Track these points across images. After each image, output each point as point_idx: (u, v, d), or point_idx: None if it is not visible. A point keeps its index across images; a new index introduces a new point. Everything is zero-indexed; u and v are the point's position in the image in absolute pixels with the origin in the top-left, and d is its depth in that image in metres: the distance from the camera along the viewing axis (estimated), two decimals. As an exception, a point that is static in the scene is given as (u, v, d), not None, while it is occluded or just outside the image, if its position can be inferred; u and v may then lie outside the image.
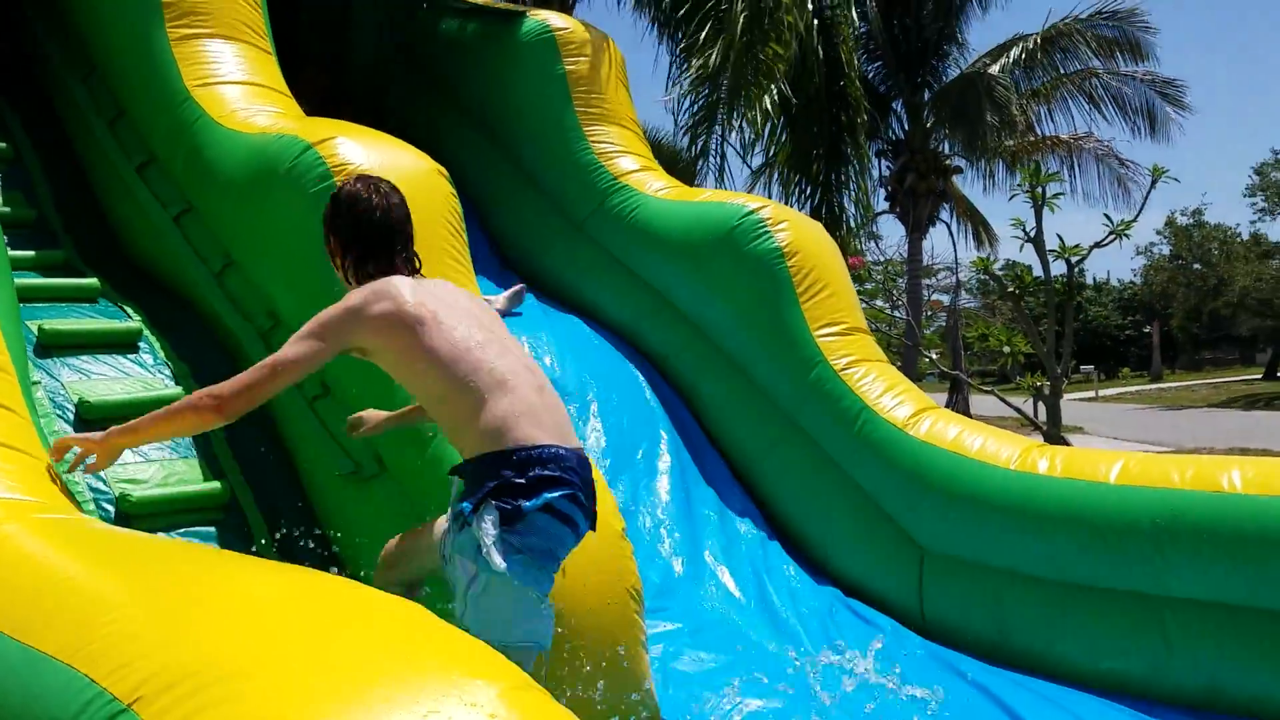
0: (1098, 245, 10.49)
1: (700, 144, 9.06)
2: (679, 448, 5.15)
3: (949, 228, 19.79)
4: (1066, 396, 11.37)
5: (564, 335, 5.59)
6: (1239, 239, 36.51)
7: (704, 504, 4.92)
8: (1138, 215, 10.69)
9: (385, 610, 1.68)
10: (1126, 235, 10.43)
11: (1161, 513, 3.72)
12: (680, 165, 10.00)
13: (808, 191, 12.02)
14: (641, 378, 5.47)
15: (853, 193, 12.11)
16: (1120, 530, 3.81)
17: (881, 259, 22.64)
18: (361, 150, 3.75)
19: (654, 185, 5.93)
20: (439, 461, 3.12)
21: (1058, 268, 10.57)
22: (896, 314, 18.09)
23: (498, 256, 6.55)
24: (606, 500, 3.45)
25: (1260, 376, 38.48)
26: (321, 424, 3.74)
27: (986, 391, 11.73)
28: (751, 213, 5.21)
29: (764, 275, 5.06)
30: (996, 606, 4.13)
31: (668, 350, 5.63)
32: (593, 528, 2.60)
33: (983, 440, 4.40)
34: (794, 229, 5.16)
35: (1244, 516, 3.53)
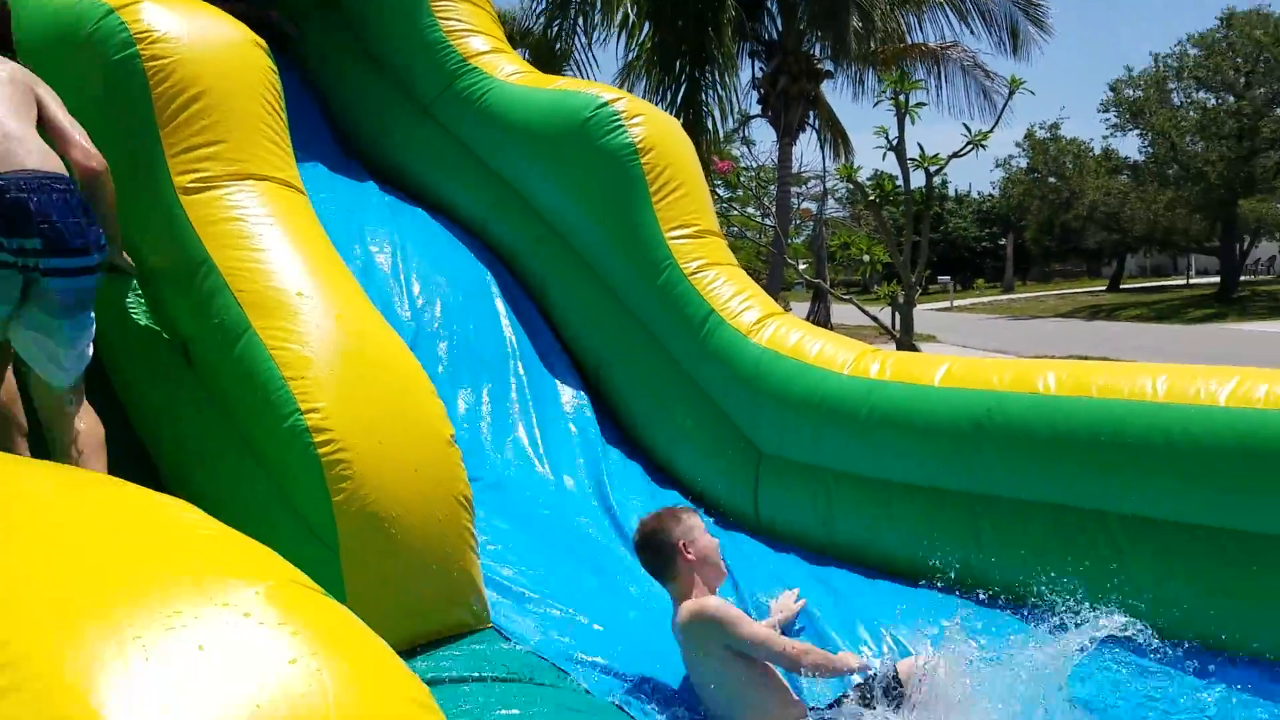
0: (955, 155, 10.68)
1: (556, 29, 8.75)
2: (527, 350, 5.04)
3: (818, 134, 19.93)
4: (923, 306, 11.72)
5: (409, 230, 5.35)
6: (1092, 154, 38.01)
7: (550, 408, 4.83)
8: (994, 126, 10.92)
9: (151, 512, 1.58)
10: (983, 146, 10.67)
11: (980, 413, 3.81)
12: (540, 54, 9.69)
13: (673, 90, 11.84)
14: (490, 276, 5.31)
15: (719, 93, 12.00)
16: (942, 431, 3.90)
17: (754, 165, 22.72)
18: (170, 17, 3.45)
19: (506, 69, 5.67)
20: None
21: (918, 178, 10.78)
22: (767, 222, 18.22)
23: (339, 144, 6.24)
24: (433, 405, 3.37)
25: (1105, 288, 40.61)
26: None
27: (846, 301, 11.98)
28: (605, 104, 5.02)
29: (616, 172, 4.91)
30: (827, 506, 4.21)
31: (518, 246, 5.48)
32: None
33: (821, 345, 4.42)
34: (649, 124, 5.01)
35: (1057, 416, 3.65)
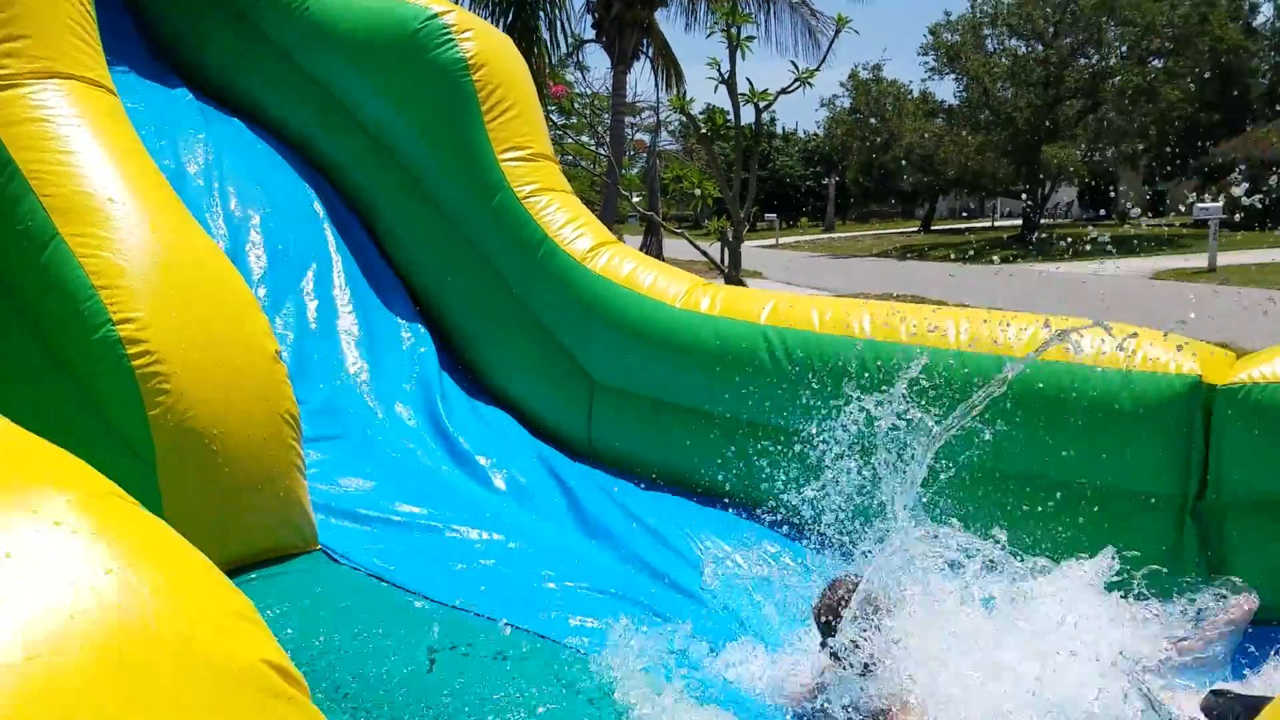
0: (784, 91, 10.87)
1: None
2: (352, 271, 4.87)
3: (652, 64, 19.90)
4: (750, 243, 11.97)
5: (225, 140, 5.06)
6: (910, 96, 39.47)
7: (377, 329, 4.71)
8: (820, 64, 11.16)
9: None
10: (810, 83, 10.89)
11: (801, 352, 3.95)
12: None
13: (502, 6, 11.52)
14: (313, 193, 5.09)
15: (550, 14, 11.76)
16: (767, 367, 4.01)
17: (588, 91, 22.47)
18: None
19: (328, -27, 5.39)
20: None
21: (748, 114, 10.92)
22: (601, 152, 18.13)
23: (150, 53, 5.81)
24: (257, 320, 3.24)
25: (917, 229, 42.54)
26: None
27: (678, 235, 12.11)
28: (435, 16, 4.83)
29: (447, 87, 4.76)
30: (659, 436, 4.29)
31: (344, 161, 5.26)
32: None
33: (654, 277, 4.46)
34: (480, 39, 4.86)
35: (868, 359, 3.79)
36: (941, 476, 3.30)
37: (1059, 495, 3.45)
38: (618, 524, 3.75)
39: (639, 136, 28.76)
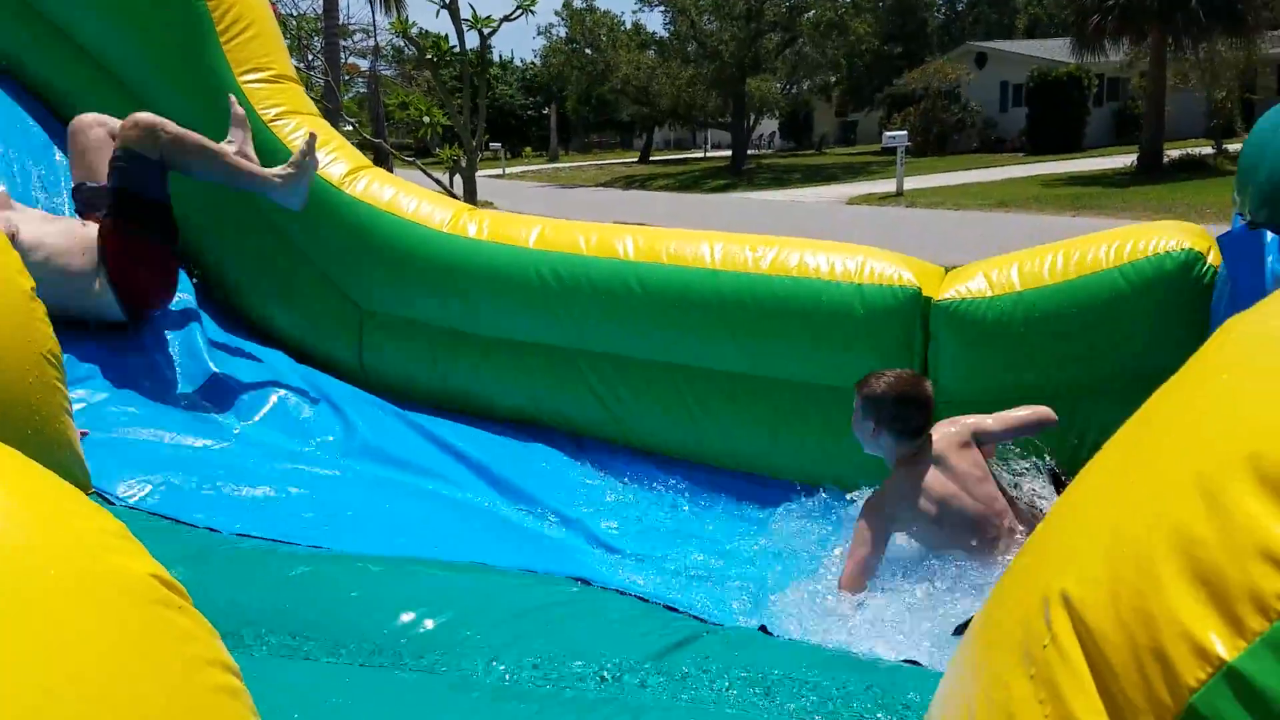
0: (507, 19, 10.88)
1: None
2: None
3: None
4: (478, 173, 11.87)
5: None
6: (623, 28, 40.07)
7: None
8: (541, -9, 11.21)
9: None
10: (531, 10, 10.96)
11: (569, 274, 4.10)
12: None
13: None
14: (35, 125, 4.65)
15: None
16: (536, 290, 4.15)
17: (294, 11, 21.20)
18: None
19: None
20: None
21: (471, 40, 10.81)
22: (313, 75, 17.21)
23: None
24: (7, 257, 2.98)
25: (636, 159, 43.57)
26: None
27: (409, 163, 11.81)
28: (156, -68, 4.49)
29: (177, 6, 4.46)
30: (432, 362, 4.33)
31: (66, 89, 4.82)
32: None
33: (417, 203, 4.45)
34: (209, -44, 4.57)
35: (632, 279, 4.00)
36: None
37: (803, 395, 3.84)
38: (408, 446, 3.79)
39: (351, 60, 27.54)
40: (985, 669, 0.87)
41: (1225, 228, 3.53)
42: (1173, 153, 23.95)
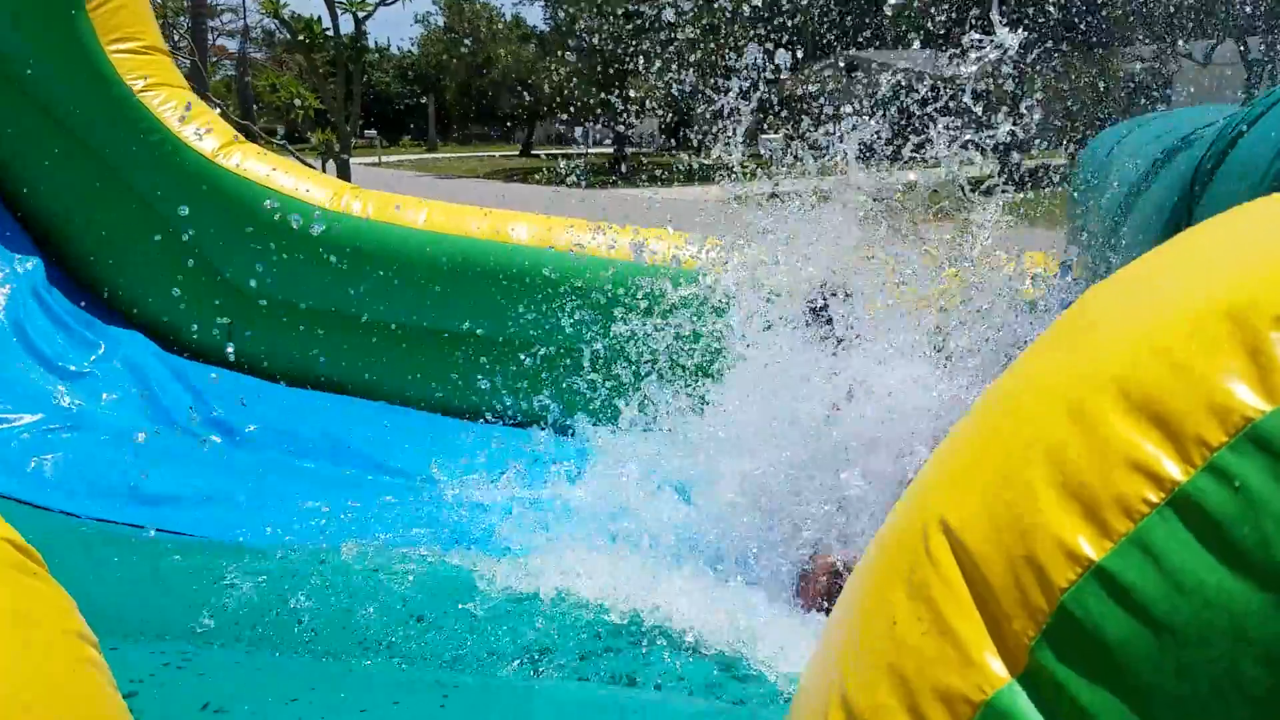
0: (383, 2, 10.74)
1: None
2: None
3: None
4: (354, 160, 11.60)
5: None
6: (503, 19, 39.73)
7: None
8: (422, -23, 11.07)
9: None
10: None
11: (457, 257, 4.08)
12: None
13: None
14: None
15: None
16: (424, 271, 4.11)
17: (160, -10, 20.33)
18: None
19: None
20: None
21: (345, 24, 10.62)
22: (179, 57, 16.51)
23: None
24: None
25: (518, 153, 43.28)
26: None
27: (280, 147, 11.47)
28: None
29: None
30: (308, 343, 4.23)
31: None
32: None
33: (295, 180, 4.35)
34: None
35: (525, 264, 4.04)
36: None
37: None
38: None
39: (220, 42, 26.54)
40: (869, 595, 0.92)
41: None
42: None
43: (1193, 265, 0.84)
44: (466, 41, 39.56)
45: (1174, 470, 0.69)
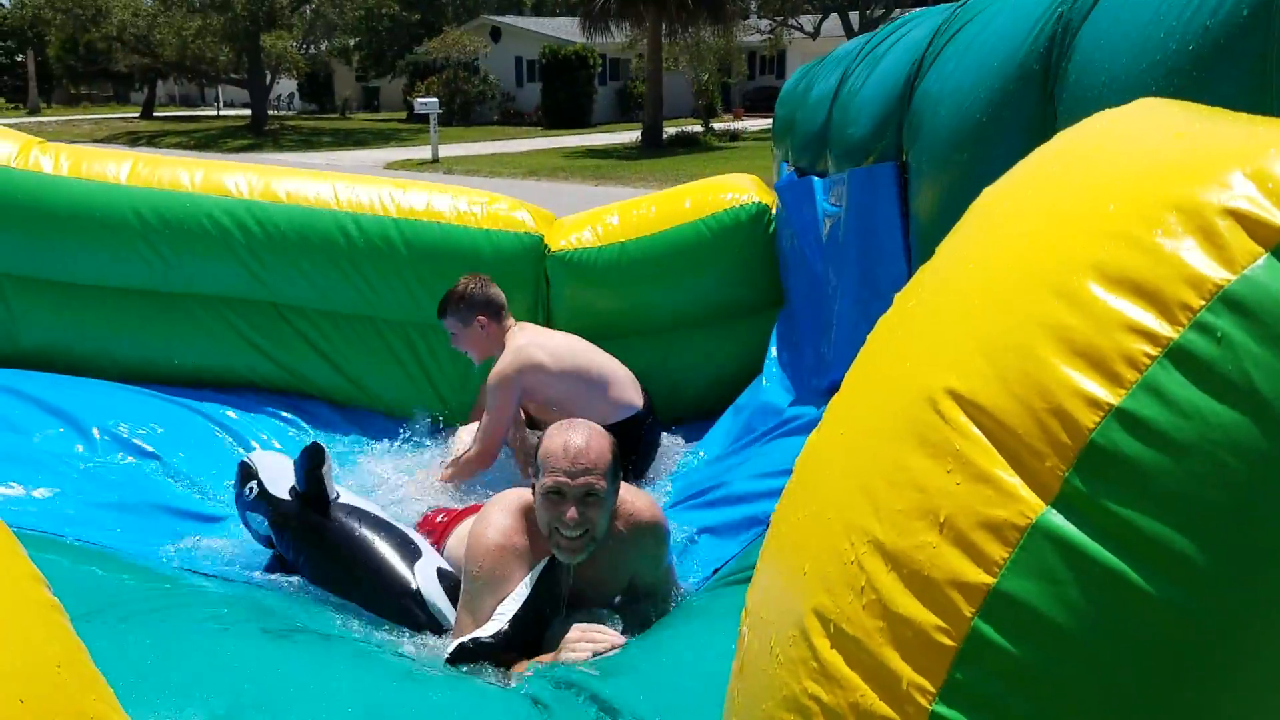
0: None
1: None
2: None
3: None
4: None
5: None
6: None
7: None
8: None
9: None
10: None
11: (173, 214, 3.80)
12: None
13: None
14: None
15: None
16: (125, 230, 3.79)
17: None
18: None
19: None
20: None
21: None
22: None
23: None
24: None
25: (139, 115, 39.49)
26: None
27: None
28: None
29: None
30: (4, 309, 3.78)
31: None
32: None
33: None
34: None
35: (249, 219, 3.83)
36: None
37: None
38: None
39: None
40: (872, 466, 1.07)
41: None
42: (670, 130, 26.59)
43: (1115, 161, 1.06)
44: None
45: (1165, 330, 0.89)
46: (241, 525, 2.74)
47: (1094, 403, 0.89)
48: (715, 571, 2.53)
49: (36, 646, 1.00)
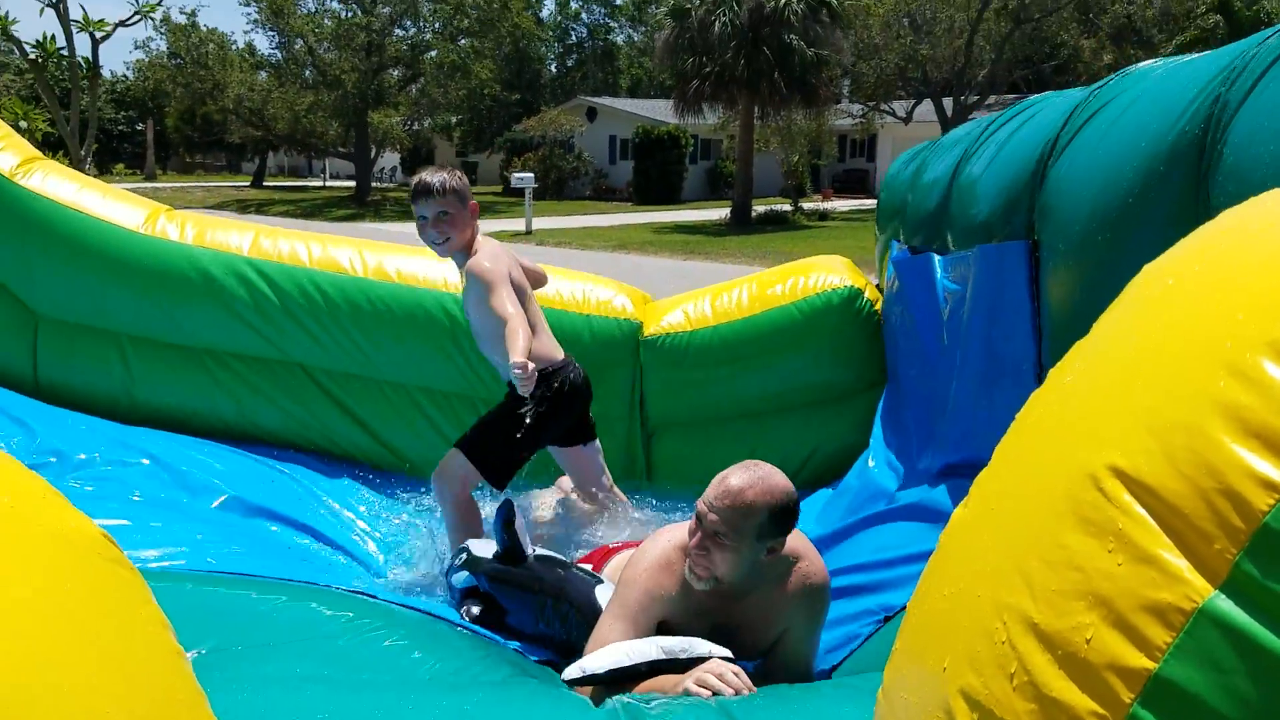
0: (123, 23, 10.48)
1: None
2: None
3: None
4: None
5: None
6: (235, 47, 37.92)
7: None
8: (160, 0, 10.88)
9: None
10: (151, 16, 10.68)
11: (290, 286, 3.95)
12: None
13: None
14: None
15: None
16: (249, 301, 3.93)
17: None
18: None
19: None
20: None
21: (82, 44, 10.12)
22: None
23: None
24: None
25: (249, 184, 41.26)
26: None
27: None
28: None
29: None
30: (123, 368, 3.95)
31: None
32: None
33: (104, 200, 4.05)
34: None
35: (360, 296, 3.97)
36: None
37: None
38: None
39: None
40: (1027, 544, 1.06)
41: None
42: (759, 208, 26.81)
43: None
44: (193, 68, 37.43)
45: (1341, 414, 0.88)
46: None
47: (1268, 484, 0.88)
48: (837, 666, 2.48)
49: (167, 692, 1.04)
